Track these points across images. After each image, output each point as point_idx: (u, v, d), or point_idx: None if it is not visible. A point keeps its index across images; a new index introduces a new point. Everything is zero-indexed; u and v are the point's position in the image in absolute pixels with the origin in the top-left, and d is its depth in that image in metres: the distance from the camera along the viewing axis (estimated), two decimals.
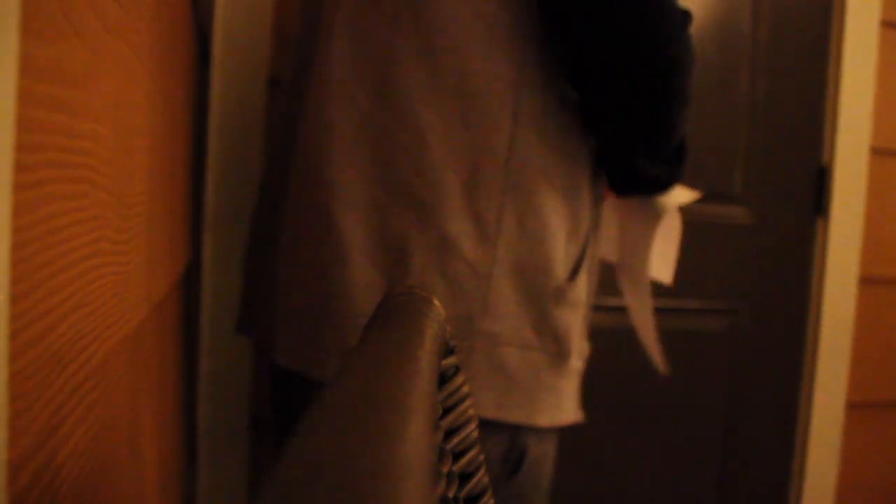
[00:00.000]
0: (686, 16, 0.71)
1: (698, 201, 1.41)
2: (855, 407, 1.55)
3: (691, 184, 1.06)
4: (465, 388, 0.40)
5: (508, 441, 0.73)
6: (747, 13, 1.44)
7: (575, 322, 0.77)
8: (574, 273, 0.77)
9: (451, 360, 0.40)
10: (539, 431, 0.76)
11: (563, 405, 0.77)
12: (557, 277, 0.74)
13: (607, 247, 0.96)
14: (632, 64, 0.70)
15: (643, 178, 0.81)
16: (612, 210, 0.95)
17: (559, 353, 0.75)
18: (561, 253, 0.74)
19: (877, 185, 1.53)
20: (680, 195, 0.89)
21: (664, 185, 0.83)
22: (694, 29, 0.72)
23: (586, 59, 0.71)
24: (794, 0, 1.47)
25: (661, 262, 0.93)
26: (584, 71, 0.72)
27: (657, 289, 0.96)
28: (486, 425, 0.70)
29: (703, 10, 1.42)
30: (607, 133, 0.78)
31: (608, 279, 1.15)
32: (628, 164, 0.80)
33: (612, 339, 1.41)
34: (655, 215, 0.89)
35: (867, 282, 1.54)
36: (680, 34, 0.70)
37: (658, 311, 0.97)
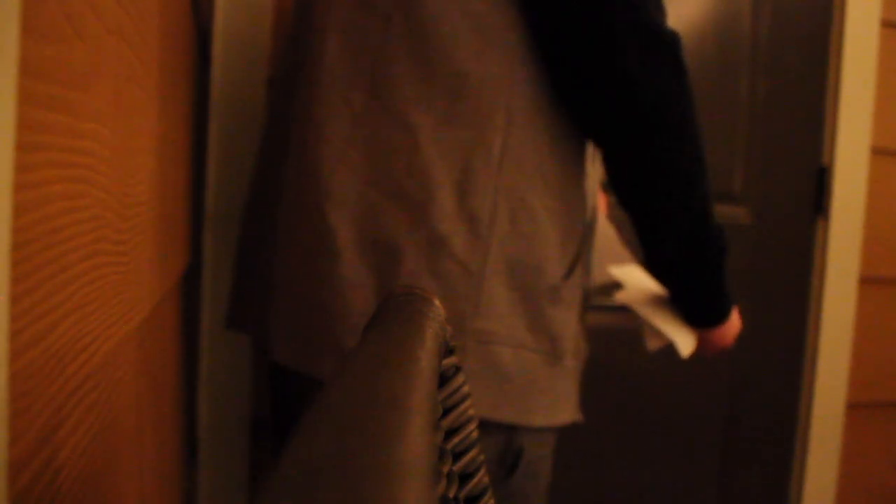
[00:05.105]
0: (675, 39, 0.71)
1: None
2: (855, 407, 1.55)
3: None
4: (465, 388, 0.40)
5: (504, 441, 0.73)
6: (747, 13, 1.44)
7: (570, 321, 0.77)
8: (570, 272, 0.76)
9: (451, 360, 0.40)
10: (535, 431, 0.75)
11: (559, 405, 0.77)
12: (552, 276, 0.74)
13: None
14: (625, 96, 0.69)
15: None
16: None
17: (554, 353, 0.74)
18: (556, 252, 0.74)
19: (877, 185, 1.53)
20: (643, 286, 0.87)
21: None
22: (694, 29, 0.71)
23: (577, 80, 0.71)
24: (794, 0, 1.47)
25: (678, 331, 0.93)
26: (576, 89, 0.72)
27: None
28: (481, 425, 0.70)
29: (703, 9, 1.42)
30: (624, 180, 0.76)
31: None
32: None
33: (612, 339, 1.41)
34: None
35: (867, 282, 1.54)
36: (670, 58, 0.70)
37: None
